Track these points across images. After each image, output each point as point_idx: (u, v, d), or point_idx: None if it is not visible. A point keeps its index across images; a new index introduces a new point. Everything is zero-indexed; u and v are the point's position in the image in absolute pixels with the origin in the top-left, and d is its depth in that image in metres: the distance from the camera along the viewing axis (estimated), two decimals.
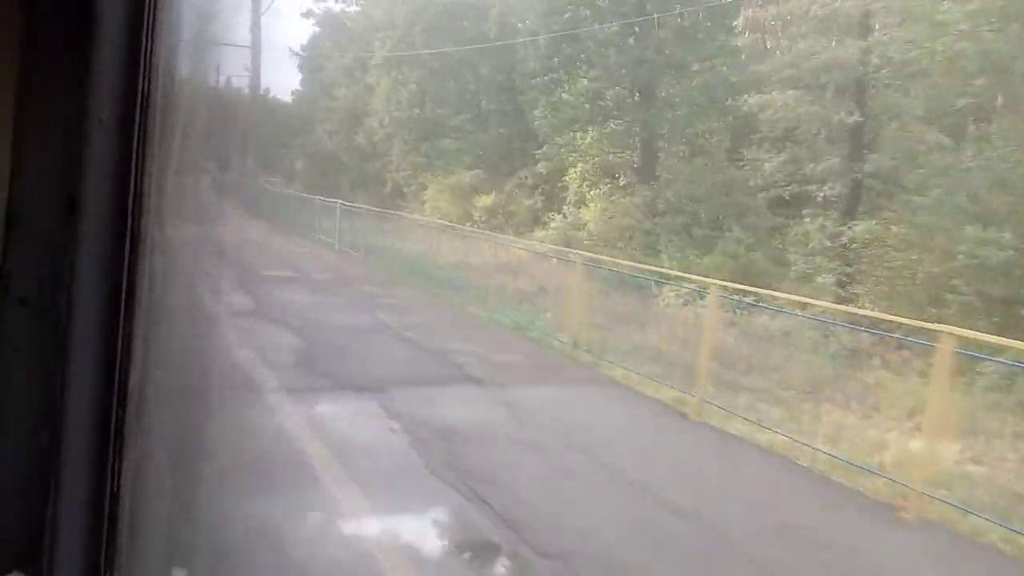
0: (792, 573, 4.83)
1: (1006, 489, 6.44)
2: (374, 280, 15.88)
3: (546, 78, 20.32)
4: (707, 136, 18.60)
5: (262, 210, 26.08)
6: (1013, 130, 12.52)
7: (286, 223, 23.70)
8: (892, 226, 12.39)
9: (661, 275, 13.03)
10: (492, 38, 24.23)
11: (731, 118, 17.49)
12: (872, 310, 11.37)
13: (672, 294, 12.77)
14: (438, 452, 6.01)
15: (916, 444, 6.60)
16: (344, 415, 7.03)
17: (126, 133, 0.83)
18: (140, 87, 0.83)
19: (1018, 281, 11.54)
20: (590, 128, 19.74)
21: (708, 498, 5.81)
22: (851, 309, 11.11)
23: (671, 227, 17.00)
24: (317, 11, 33.84)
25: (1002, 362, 7.74)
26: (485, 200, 23.09)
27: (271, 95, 34.94)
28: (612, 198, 18.90)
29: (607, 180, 20.04)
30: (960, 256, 11.65)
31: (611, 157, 19.72)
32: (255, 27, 31.36)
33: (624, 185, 19.48)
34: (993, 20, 12.54)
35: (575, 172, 20.72)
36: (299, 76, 35.88)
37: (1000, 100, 13.20)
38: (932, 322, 7.53)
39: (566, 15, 19.75)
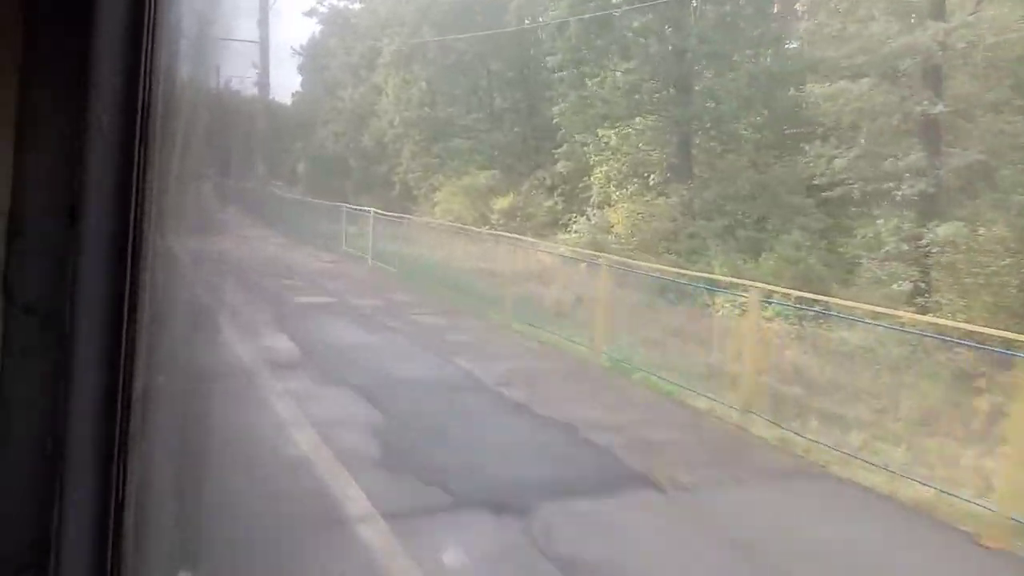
0: None
1: None
2: (428, 305, 13.29)
3: (575, 71, 18.83)
4: (751, 131, 17.13)
5: (274, 218, 24.69)
6: None
7: (302, 233, 22.05)
8: (981, 228, 10.99)
9: (710, 282, 11.92)
10: (510, 31, 23.00)
11: (778, 111, 16.09)
12: (962, 321, 9.99)
13: (728, 304, 11.41)
14: None
15: None
16: (486, 564, 4.60)
17: (126, 139, 0.83)
18: (140, 92, 0.83)
19: None
20: (620, 124, 18.26)
21: None
22: (942, 320, 9.75)
23: (712, 230, 15.60)
24: (321, 9, 32.77)
25: None
26: (502, 202, 21.86)
27: (272, 97, 33.80)
28: (644, 198, 17.50)
29: (635, 179, 18.67)
30: None
31: (644, 155, 18.25)
32: (263, 22, 30.14)
33: (655, 184, 18.09)
34: None
35: (600, 172, 19.37)
36: (299, 78, 34.70)
37: None
38: None
39: (591, 2, 18.35)
